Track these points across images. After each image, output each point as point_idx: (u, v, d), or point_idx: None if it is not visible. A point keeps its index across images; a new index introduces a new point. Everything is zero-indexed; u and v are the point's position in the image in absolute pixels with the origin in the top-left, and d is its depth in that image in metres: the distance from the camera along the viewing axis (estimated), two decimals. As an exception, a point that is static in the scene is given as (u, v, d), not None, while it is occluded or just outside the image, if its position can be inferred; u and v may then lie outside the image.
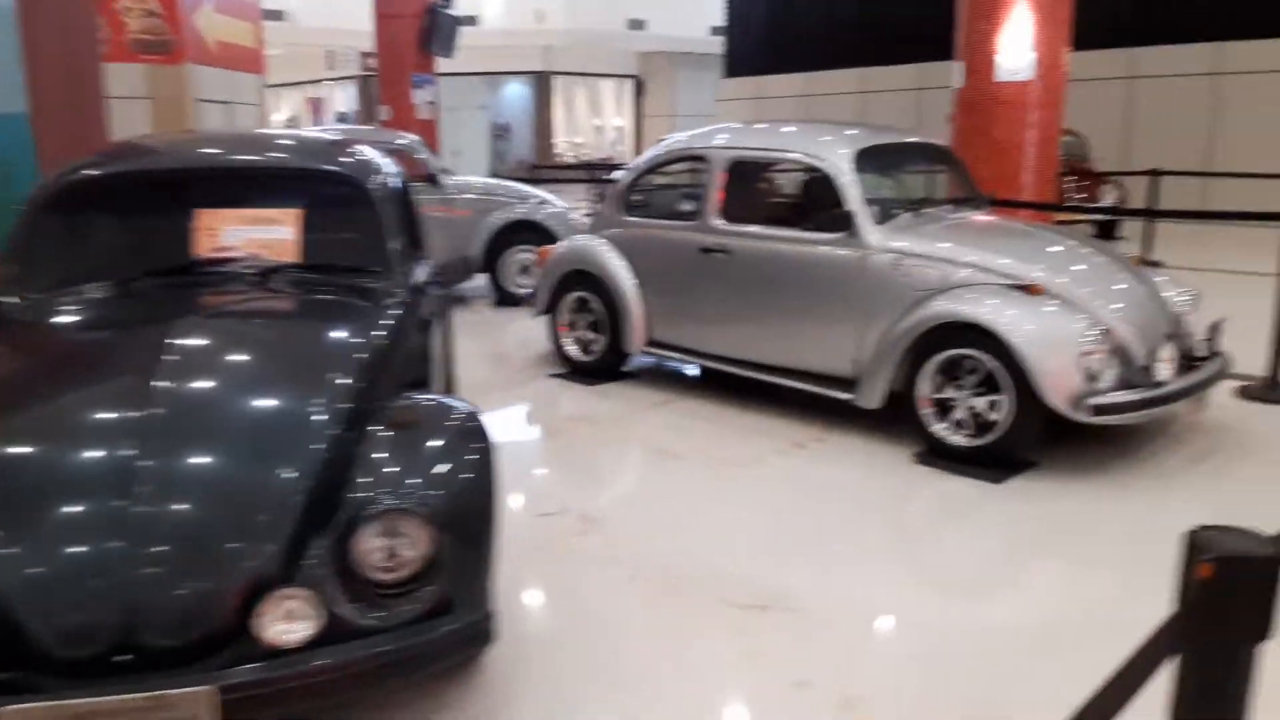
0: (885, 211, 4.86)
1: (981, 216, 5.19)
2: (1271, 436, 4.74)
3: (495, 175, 20.37)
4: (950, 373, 4.40)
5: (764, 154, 5.23)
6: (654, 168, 5.87)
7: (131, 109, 16.21)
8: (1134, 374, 4.21)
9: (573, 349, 6.11)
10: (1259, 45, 13.84)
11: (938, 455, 4.43)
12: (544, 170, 23.93)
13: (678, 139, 5.82)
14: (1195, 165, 14.26)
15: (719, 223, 5.29)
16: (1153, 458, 4.44)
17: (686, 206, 5.54)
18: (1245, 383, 5.50)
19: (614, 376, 5.94)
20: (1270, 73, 13.78)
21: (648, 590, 3.22)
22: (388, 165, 3.71)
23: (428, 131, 15.91)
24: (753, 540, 3.63)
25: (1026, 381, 4.08)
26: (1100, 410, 4.02)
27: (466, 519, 2.37)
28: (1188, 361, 4.61)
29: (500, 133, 32.38)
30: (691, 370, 5.93)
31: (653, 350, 5.68)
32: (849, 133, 5.17)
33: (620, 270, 5.74)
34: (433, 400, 2.77)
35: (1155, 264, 10.28)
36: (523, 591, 3.22)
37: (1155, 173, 10.58)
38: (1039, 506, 3.96)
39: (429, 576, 2.28)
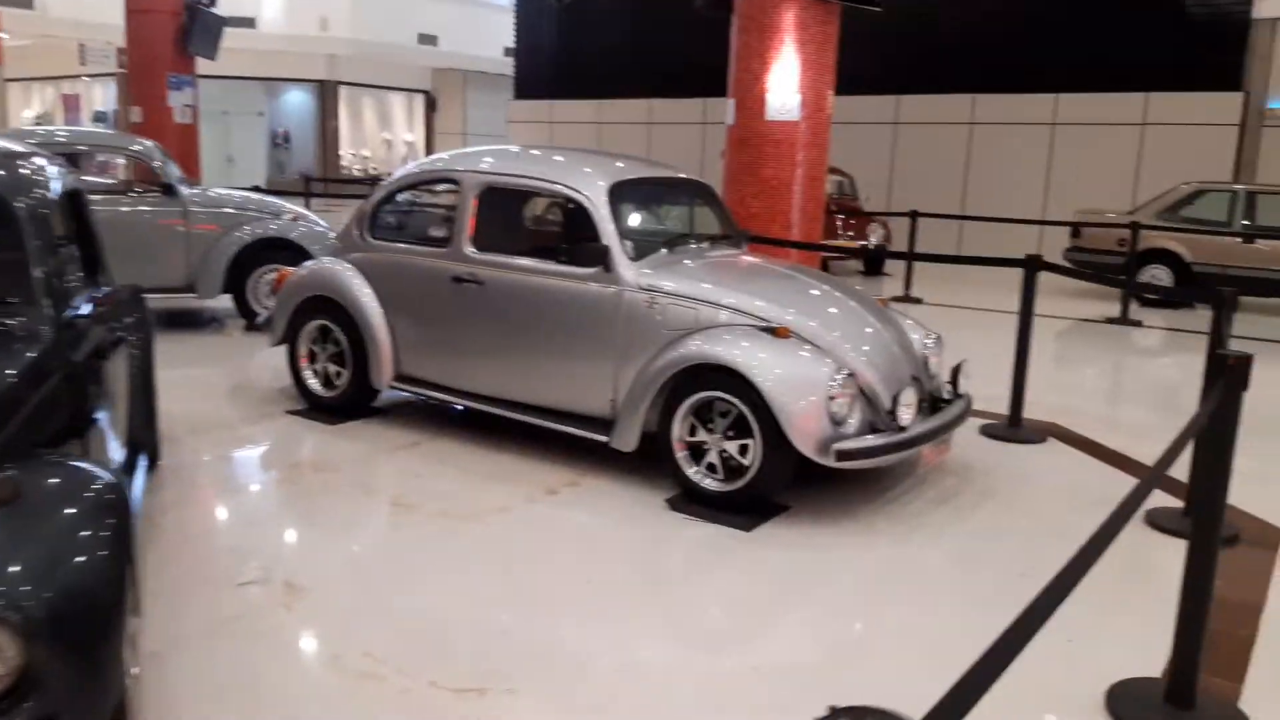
0: (642, 247, 4.69)
1: (739, 255, 5.12)
2: (1011, 476, 4.88)
3: (269, 186, 19.16)
4: (704, 415, 4.25)
5: (520, 181, 4.95)
6: (405, 188, 5.47)
7: None
8: (880, 418, 4.20)
9: (314, 383, 5.58)
10: (1008, 99, 14.98)
11: (692, 500, 4.27)
12: (325, 184, 22.86)
13: (435, 158, 5.44)
14: (952, 208, 15.24)
15: (471, 251, 4.96)
16: (899, 500, 4.46)
17: (439, 232, 5.18)
18: (989, 421, 5.70)
19: (363, 414, 5.47)
20: (1026, 125, 14.93)
21: (346, 677, 2.82)
22: (51, 176, 3.13)
23: (186, 136, 14.74)
24: (479, 607, 3.29)
25: (775, 425, 3.98)
26: (844, 455, 3.97)
27: (79, 619, 1.91)
28: (933, 403, 4.69)
29: (280, 141, 30.72)
30: (456, 406, 5.55)
31: (402, 386, 5.26)
32: (609, 165, 4.98)
33: (366, 297, 5.29)
34: (60, 464, 2.28)
35: (914, 300, 10.82)
36: (190, 686, 2.74)
37: (914, 214, 11.13)
38: (787, 553, 3.84)
39: (24, 694, 1.81)
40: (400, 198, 5.55)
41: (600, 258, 4.53)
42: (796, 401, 3.97)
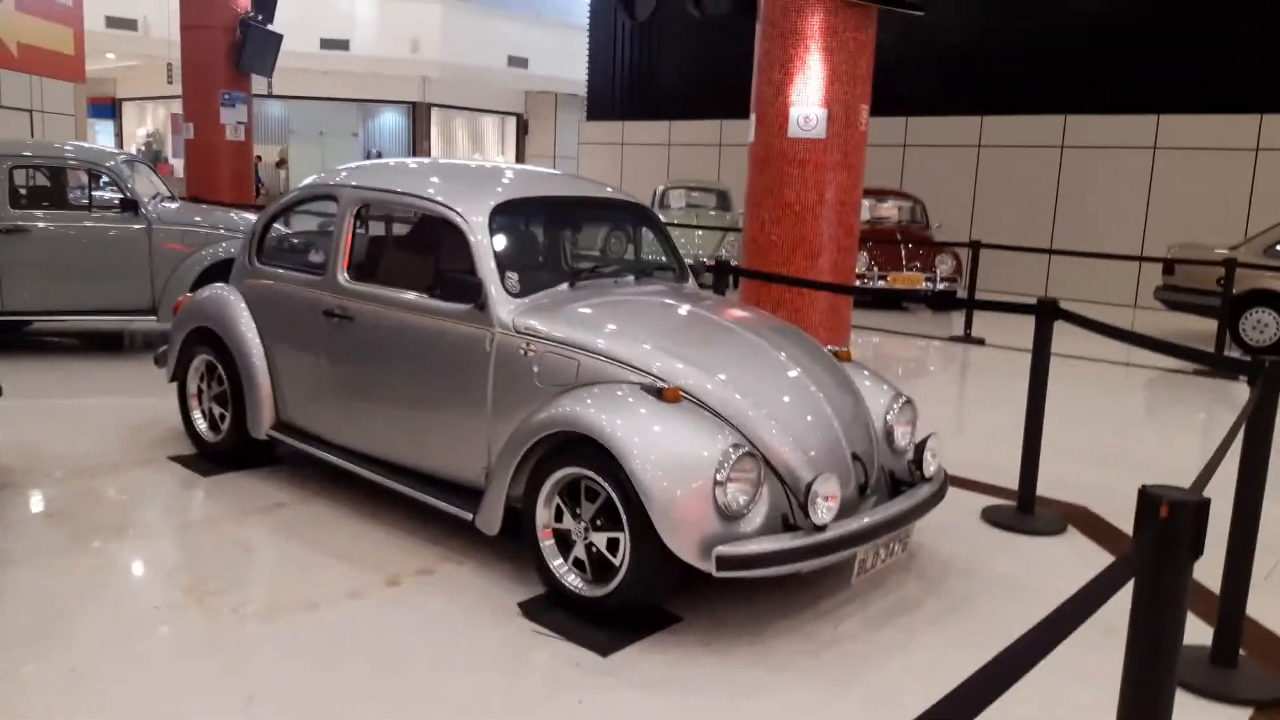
0: (535, 281, 3.82)
1: (674, 293, 4.18)
2: (998, 581, 3.80)
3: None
4: (577, 496, 3.35)
5: (395, 199, 4.15)
6: (291, 206, 4.74)
7: (-98, 109, 14.52)
8: (799, 511, 3.22)
9: (203, 425, 4.91)
10: (1115, 120, 13.54)
11: (558, 603, 3.37)
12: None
13: (327, 173, 4.71)
14: (1042, 239, 13.87)
15: (344, 280, 4.19)
16: (831, 614, 3.45)
17: (316, 257, 4.43)
18: (1000, 503, 4.61)
19: (253, 463, 4.75)
20: (1123, 148, 13.46)
21: None
22: None
23: (239, 154, 14.59)
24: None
25: (647, 515, 3.06)
26: (727, 563, 3.00)
27: None
28: (894, 486, 3.68)
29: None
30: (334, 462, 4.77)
31: (280, 436, 4.51)
32: (502, 181, 4.14)
33: (246, 330, 4.59)
34: None
35: (975, 341, 9.61)
36: None
37: (976, 245, 9.93)
38: (637, 695, 2.90)
39: None
40: (291, 218, 4.84)
41: (471, 292, 3.69)
42: (672, 486, 3.03)
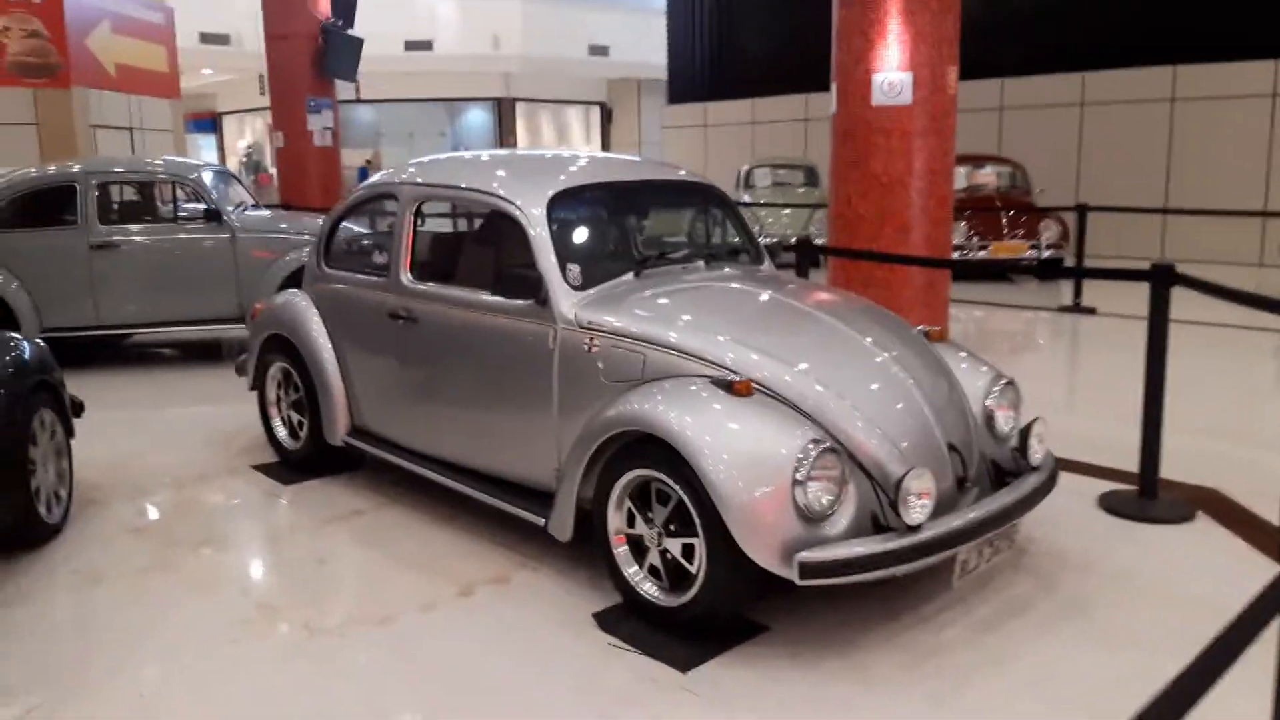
0: (601, 271, 3.63)
1: (752, 277, 3.92)
2: (1119, 579, 3.46)
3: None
4: (646, 499, 3.16)
5: (454, 193, 4.01)
6: (356, 206, 4.65)
7: (14, 135, 15.18)
8: (890, 510, 2.95)
9: (283, 433, 4.88)
10: (1219, 69, 12.65)
11: (634, 612, 3.18)
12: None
13: (389, 170, 4.60)
14: (1154, 199, 13.08)
15: (408, 280, 4.07)
16: (932, 621, 3.17)
17: (381, 259, 4.32)
18: (1120, 487, 4.24)
19: (334, 469, 4.70)
20: (1239, 98, 12.56)
21: None
22: None
23: (327, 159, 14.80)
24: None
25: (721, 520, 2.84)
26: (812, 569, 2.75)
27: None
28: (999, 477, 3.38)
29: (461, 161, 31.35)
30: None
31: (356, 442, 4.44)
32: (561, 168, 3.96)
33: (318, 336, 4.53)
34: None
35: (1086, 310, 9.05)
36: None
37: (1083, 208, 9.35)
38: (708, 717, 2.68)
39: None
40: (356, 218, 4.75)
41: (530, 287, 3.52)
42: (747, 487, 2.81)
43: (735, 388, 3.00)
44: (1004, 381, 3.54)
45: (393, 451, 4.24)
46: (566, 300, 3.48)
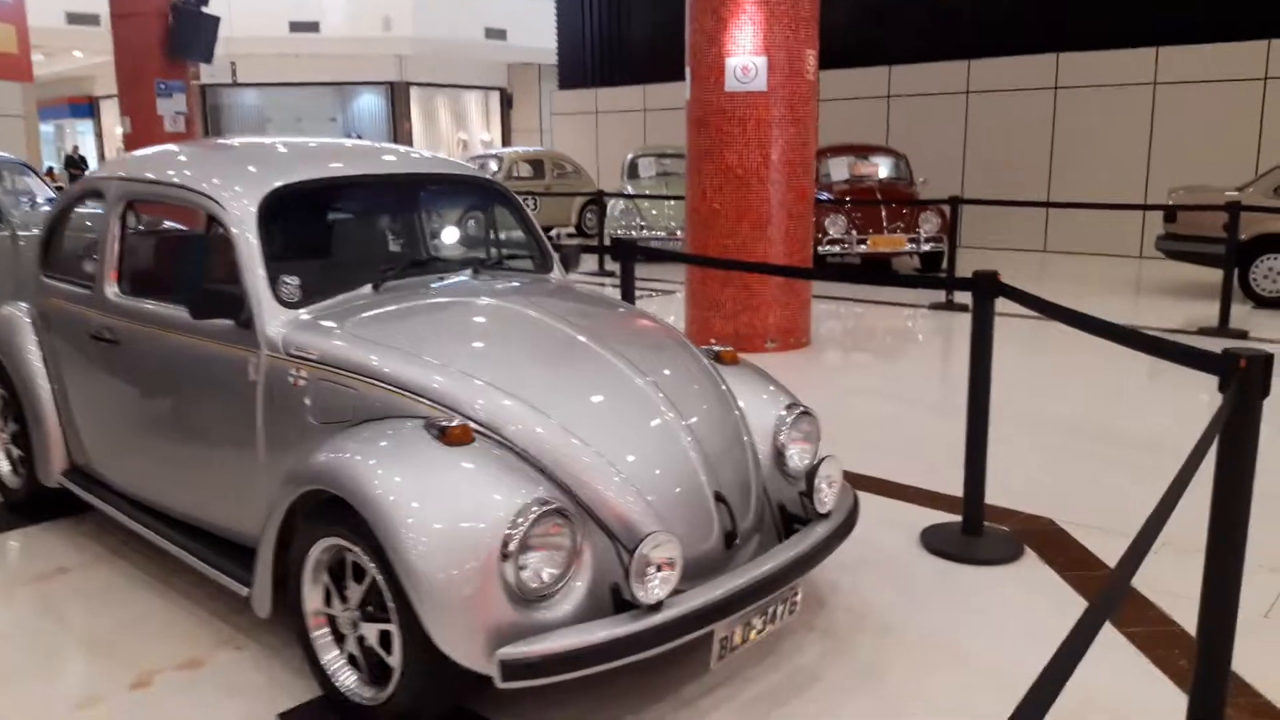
0: (318, 285, 3.02)
1: (500, 295, 3.29)
2: (930, 639, 3.00)
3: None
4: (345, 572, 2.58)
5: (161, 190, 3.34)
6: (69, 208, 3.95)
7: None
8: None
9: (5, 468, 4.17)
10: (1099, 57, 12.54)
11: (334, 709, 2.60)
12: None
13: (109, 163, 3.90)
14: (1038, 190, 12.95)
15: (111, 294, 3.41)
16: (675, 699, 2.67)
17: (90, 267, 3.65)
18: (949, 520, 3.80)
19: (62, 512, 4.00)
20: (1121, 86, 12.45)
21: None
22: None
23: (182, 147, 13.78)
24: None
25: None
26: (515, 669, 2.20)
27: None
28: (786, 524, 2.89)
29: (354, 147, 30.15)
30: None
31: (70, 484, 3.75)
32: (291, 159, 3.34)
33: (31, 358, 3.83)
34: None
35: (959, 308, 8.73)
36: None
37: (955, 201, 9.03)
38: None
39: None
40: (75, 219, 4.06)
41: (230, 306, 2.90)
42: (444, 563, 2.25)
43: (449, 434, 2.43)
44: (798, 411, 3.05)
45: (107, 496, 3.57)
46: (274, 321, 2.86)
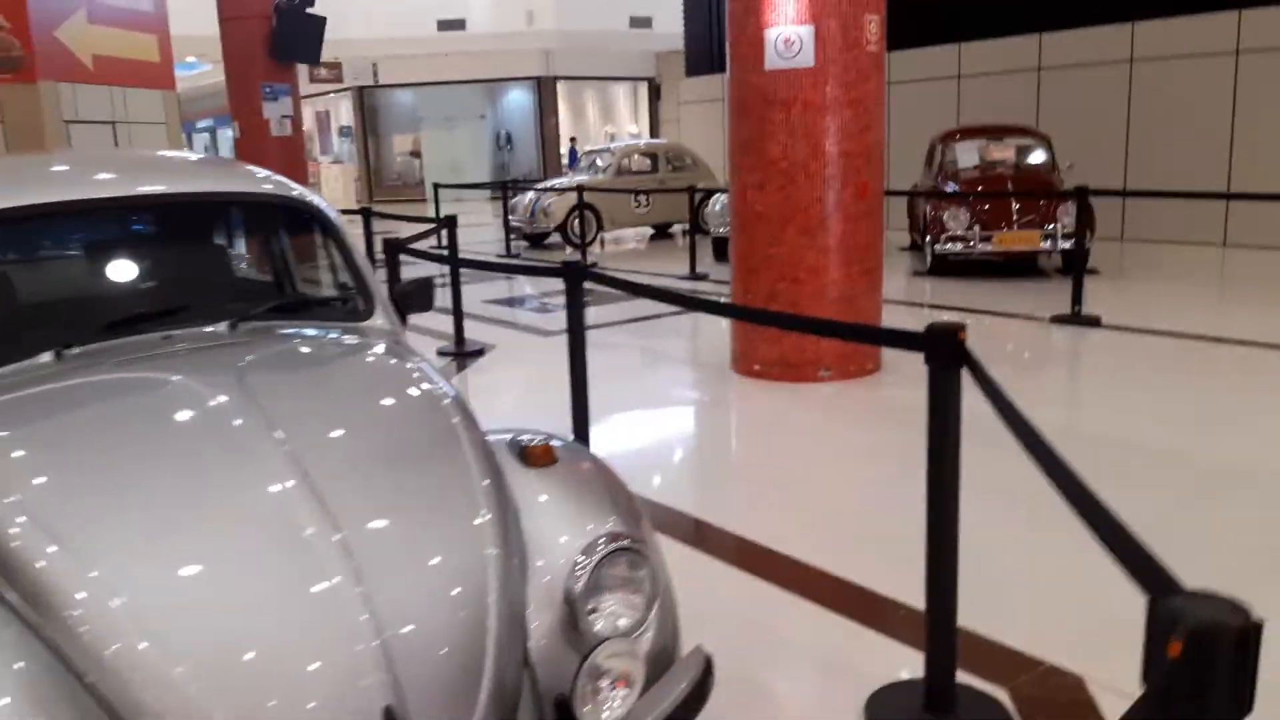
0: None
1: (213, 368, 2.33)
2: None
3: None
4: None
5: None
6: None
7: (-23, 132, 14.60)
8: None
9: None
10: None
11: None
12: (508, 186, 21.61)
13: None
14: (1217, 179, 10.99)
15: None
16: None
17: None
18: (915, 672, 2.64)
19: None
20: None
21: None
22: None
23: (289, 150, 13.76)
24: None
25: None
26: None
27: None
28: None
29: (502, 144, 30.26)
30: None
31: None
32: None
33: None
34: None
35: (1088, 321, 7.21)
36: None
37: (1083, 192, 7.49)
38: None
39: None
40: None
41: None
42: None
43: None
44: (612, 548, 2.00)
45: None
46: None
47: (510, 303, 9.02)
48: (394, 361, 2.46)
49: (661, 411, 5.66)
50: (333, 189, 27.96)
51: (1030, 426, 1.77)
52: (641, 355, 7.08)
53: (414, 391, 2.31)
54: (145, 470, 1.89)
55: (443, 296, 8.66)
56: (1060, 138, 10.57)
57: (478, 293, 9.67)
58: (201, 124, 35.87)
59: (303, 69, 25.92)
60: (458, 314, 7.14)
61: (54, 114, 15.05)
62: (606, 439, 4.94)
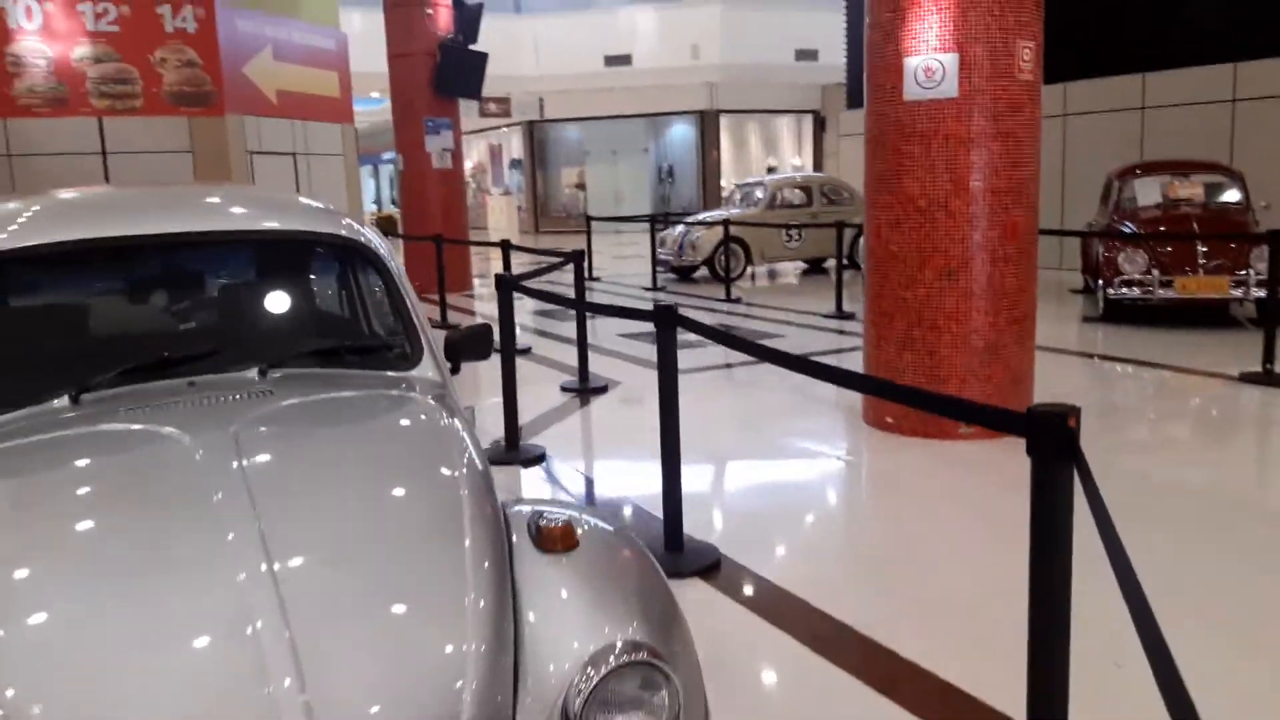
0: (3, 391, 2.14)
1: (226, 426, 2.04)
2: None
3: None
4: None
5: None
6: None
7: (171, 162, 15.68)
8: None
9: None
10: None
11: None
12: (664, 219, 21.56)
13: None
14: None
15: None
16: None
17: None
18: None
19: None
20: None
21: None
22: None
23: (448, 183, 14.07)
24: None
25: None
26: None
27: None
28: None
29: (664, 176, 30.39)
30: None
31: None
32: (18, 215, 2.46)
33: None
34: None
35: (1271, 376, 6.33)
36: None
37: (1277, 235, 6.62)
38: None
39: None
40: None
41: None
42: None
43: None
44: (625, 661, 1.69)
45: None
46: None
47: (640, 337, 8.80)
48: (416, 422, 2.23)
49: (776, 465, 5.27)
50: (497, 220, 28.70)
51: (1123, 552, 1.35)
52: (765, 398, 6.70)
53: (425, 462, 2.06)
54: (97, 542, 1.72)
55: (569, 329, 8.56)
56: (1256, 175, 9.53)
57: (613, 326, 9.51)
58: (387, 155, 37.76)
59: (474, 104, 26.83)
60: (582, 350, 7.00)
61: (239, 145, 16.05)
62: (703, 500, 4.60)
